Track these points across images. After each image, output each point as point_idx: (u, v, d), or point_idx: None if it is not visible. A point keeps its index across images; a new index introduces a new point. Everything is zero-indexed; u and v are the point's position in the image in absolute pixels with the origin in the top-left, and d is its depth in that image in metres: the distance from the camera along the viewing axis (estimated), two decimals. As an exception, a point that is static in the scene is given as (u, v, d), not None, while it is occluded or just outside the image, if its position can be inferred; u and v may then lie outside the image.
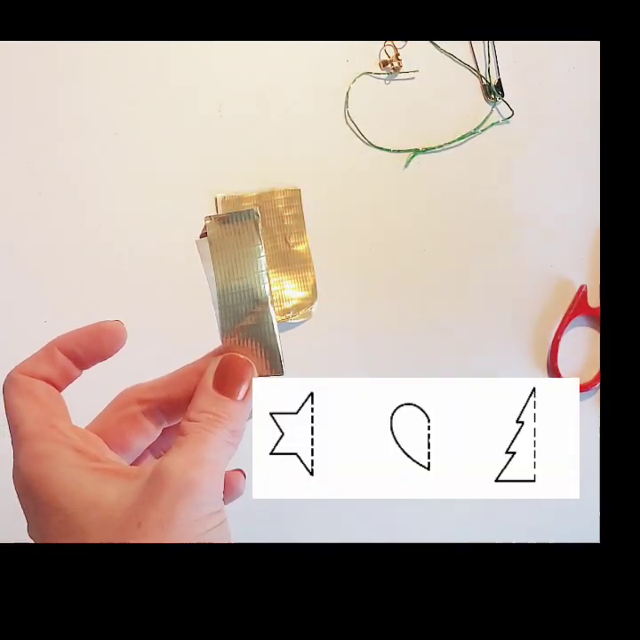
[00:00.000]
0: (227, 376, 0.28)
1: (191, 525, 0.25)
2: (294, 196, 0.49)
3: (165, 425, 0.31)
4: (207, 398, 0.28)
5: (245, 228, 0.31)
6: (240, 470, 0.33)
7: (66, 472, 0.26)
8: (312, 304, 0.48)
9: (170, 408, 0.29)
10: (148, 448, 0.31)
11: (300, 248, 0.49)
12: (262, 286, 0.31)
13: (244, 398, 0.28)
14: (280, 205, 0.48)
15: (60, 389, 0.29)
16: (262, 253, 0.31)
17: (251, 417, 0.31)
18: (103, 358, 0.29)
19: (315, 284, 0.48)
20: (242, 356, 0.29)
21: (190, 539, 0.26)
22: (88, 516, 0.25)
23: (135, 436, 0.29)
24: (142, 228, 0.47)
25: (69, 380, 0.29)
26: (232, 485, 0.32)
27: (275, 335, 0.31)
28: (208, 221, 0.31)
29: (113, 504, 0.25)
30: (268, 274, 0.30)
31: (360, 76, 0.50)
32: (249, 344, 0.31)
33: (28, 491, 0.26)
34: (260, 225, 0.31)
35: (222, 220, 0.31)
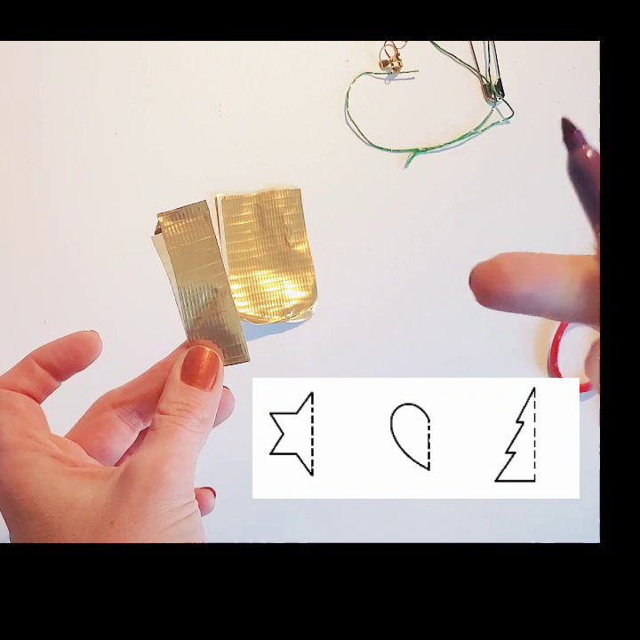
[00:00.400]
0: (193, 368, 0.29)
1: (162, 518, 0.26)
2: (294, 196, 0.49)
3: (142, 427, 0.31)
4: (175, 390, 0.28)
5: (196, 220, 0.33)
6: (210, 488, 0.33)
7: (43, 478, 0.26)
8: (312, 304, 0.48)
9: (144, 408, 0.30)
10: (127, 451, 0.31)
11: (300, 248, 0.49)
12: (219, 275, 0.32)
13: (212, 387, 0.29)
14: (280, 205, 0.48)
15: (39, 401, 0.30)
16: (216, 243, 0.32)
17: (228, 407, 0.31)
18: (80, 369, 0.30)
19: (315, 284, 0.48)
20: (207, 348, 0.30)
21: (162, 531, 0.26)
22: (65, 518, 0.26)
23: (113, 441, 0.30)
24: (142, 227, 0.47)
25: (48, 391, 0.30)
26: (203, 502, 0.32)
27: (236, 322, 0.31)
28: (160, 218, 0.33)
29: (88, 505, 0.26)
30: (222, 263, 0.32)
31: (360, 75, 0.50)
32: (212, 333, 0.31)
33: (9, 498, 0.27)
34: (209, 216, 0.32)
35: (174, 215, 0.33)
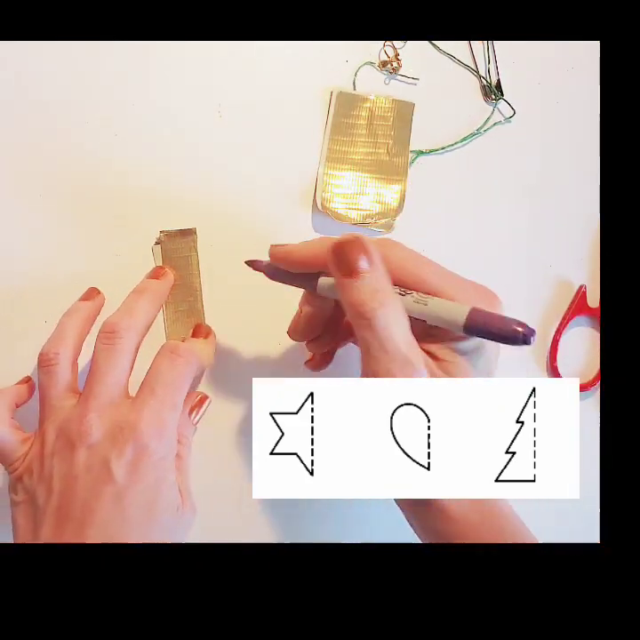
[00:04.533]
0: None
1: None
2: (407, 110, 0.49)
3: None
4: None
5: (185, 240, 0.46)
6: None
7: None
8: (396, 215, 0.49)
9: None
10: None
11: (399, 160, 0.49)
12: (195, 281, 0.46)
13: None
14: (391, 114, 0.49)
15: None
16: (197, 260, 0.46)
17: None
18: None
19: (403, 197, 0.49)
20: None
21: None
22: None
23: None
24: (142, 228, 0.47)
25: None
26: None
27: (201, 319, 0.46)
28: (161, 234, 0.45)
29: None
30: (199, 276, 0.46)
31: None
32: (183, 325, 0.46)
33: None
34: (196, 240, 0.46)
35: (171, 234, 0.46)
